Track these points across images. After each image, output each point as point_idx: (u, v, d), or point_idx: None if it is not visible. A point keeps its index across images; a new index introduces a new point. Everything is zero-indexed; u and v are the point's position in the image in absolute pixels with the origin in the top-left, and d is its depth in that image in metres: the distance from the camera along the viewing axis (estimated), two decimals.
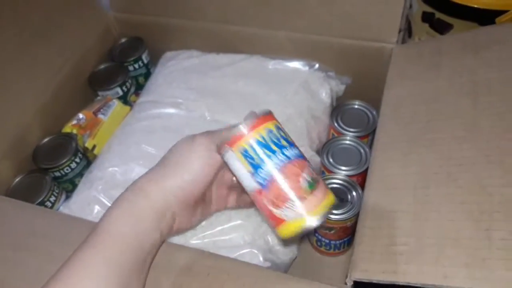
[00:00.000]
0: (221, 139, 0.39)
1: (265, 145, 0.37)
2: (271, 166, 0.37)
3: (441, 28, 0.69)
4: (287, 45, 0.66)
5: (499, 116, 0.43)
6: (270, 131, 0.38)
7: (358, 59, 0.61)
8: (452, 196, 0.38)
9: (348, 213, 0.53)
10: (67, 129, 0.64)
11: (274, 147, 0.37)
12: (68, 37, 0.67)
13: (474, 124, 0.44)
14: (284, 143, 0.38)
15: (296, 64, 0.66)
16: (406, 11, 0.61)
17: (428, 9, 0.69)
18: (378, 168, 0.45)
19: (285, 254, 0.50)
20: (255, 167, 0.37)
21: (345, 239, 0.58)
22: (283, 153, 0.37)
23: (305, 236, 0.62)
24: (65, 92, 0.66)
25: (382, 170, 0.44)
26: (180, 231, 0.42)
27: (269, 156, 0.37)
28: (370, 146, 0.59)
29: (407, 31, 0.76)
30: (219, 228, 0.49)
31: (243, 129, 0.37)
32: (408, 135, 0.46)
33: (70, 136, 0.62)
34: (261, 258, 0.47)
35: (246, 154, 0.37)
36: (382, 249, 0.38)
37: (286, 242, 0.50)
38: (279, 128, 0.39)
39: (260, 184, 0.37)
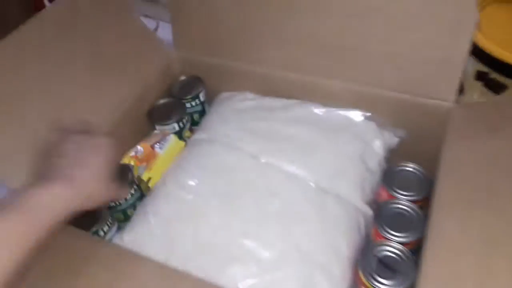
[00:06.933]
0: None
1: None
2: None
3: (495, 87, 0.69)
4: (342, 95, 0.67)
5: None
6: None
7: (413, 115, 0.61)
8: None
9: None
10: (125, 160, 0.66)
11: None
12: (134, 72, 0.71)
13: None
14: None
15: (349, 113, 0.67)
16: None
17: (483, 68, 0.69)
18: (437, 232, 0.45)
19: None
20: None
21: None
22: None
23: None
24: (125, 123, 0.69)
25: (441, 235, 0.44)
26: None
27: None
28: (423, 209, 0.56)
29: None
30: None
31: None
32: (469, 198, 0.46)
33: (127, 167, 0.65)
34: None
35: None
36: None
37: None
38: None
39: None
